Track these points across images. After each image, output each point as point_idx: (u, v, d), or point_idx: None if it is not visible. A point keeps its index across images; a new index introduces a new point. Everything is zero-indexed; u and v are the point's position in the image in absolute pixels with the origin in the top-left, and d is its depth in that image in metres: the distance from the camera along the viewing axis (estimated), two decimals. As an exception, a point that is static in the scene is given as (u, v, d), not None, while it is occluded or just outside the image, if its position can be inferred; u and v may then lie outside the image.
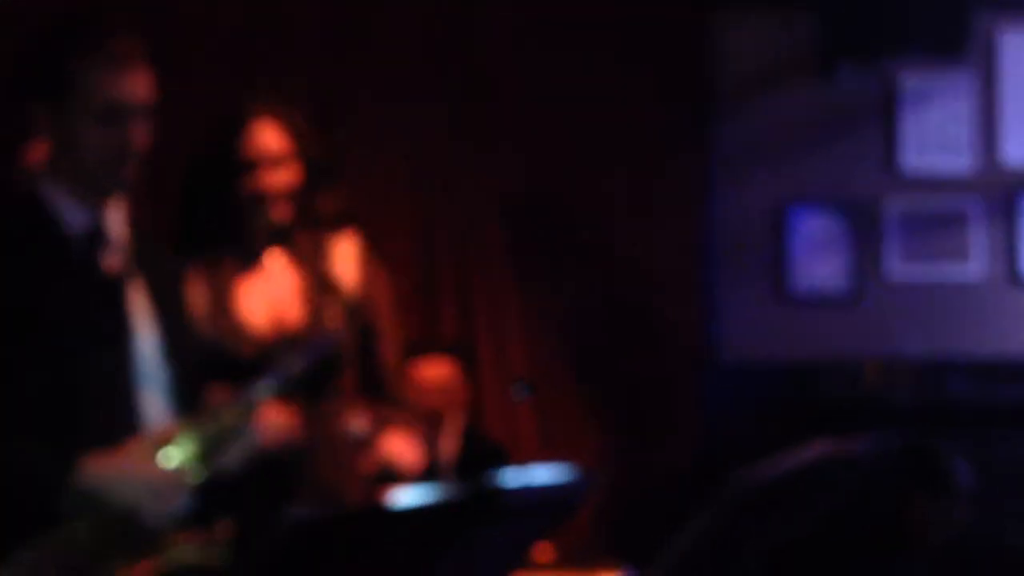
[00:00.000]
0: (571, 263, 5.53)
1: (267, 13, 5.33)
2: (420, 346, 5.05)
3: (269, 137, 3.62)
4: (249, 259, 3.65)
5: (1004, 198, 5.67)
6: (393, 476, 3.68)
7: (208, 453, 2.94)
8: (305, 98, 4.29)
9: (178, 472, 2.87)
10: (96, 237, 2.97)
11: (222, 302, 3.60)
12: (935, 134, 5.67)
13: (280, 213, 3.61)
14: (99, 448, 2.89)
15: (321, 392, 3.57)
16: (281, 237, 3.65)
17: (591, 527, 5.34)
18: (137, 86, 2.94)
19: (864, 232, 5.66)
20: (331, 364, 3.52)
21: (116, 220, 3.01)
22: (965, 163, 5.68)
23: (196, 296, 3.53)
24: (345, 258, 3.70)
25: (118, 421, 2.93)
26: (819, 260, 5.67)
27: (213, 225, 3.62)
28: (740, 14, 5.61)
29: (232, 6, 5.31)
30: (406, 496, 2.36)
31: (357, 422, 3.64)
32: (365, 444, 3.64)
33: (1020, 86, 5.68)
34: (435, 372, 4.97)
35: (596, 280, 5.54)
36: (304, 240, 3.67)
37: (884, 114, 5.68)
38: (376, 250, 3.75)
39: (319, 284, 3.65)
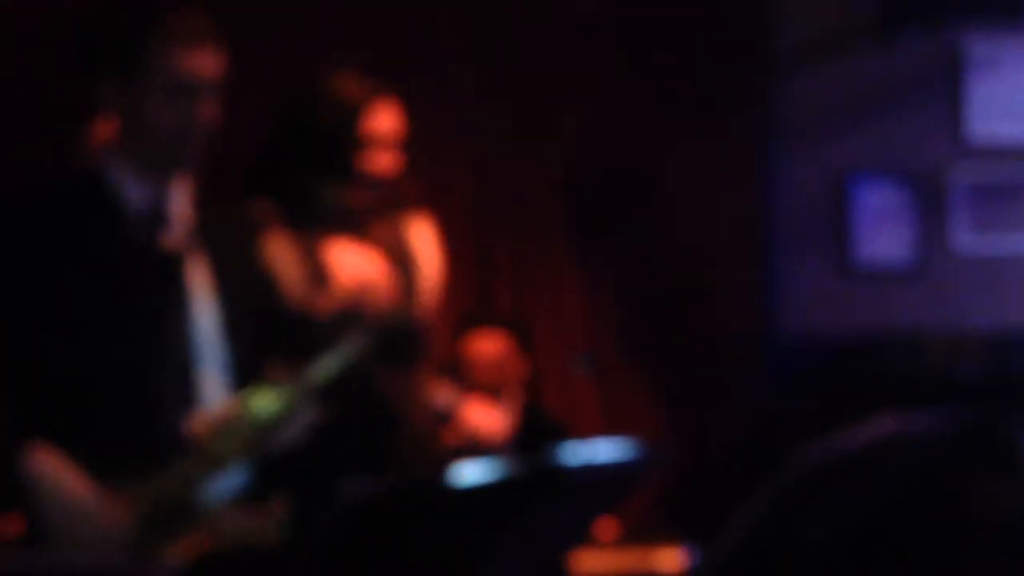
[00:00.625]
0: (629, 235, 5.50)
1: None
2: (475, 320, 5.02)
3: (388, 121, 3.68)
4: (338, 234, 3.70)
5: (1073, 167, 5.60)
6: (477, 448, 3.75)
7: (265, 432, 2.94)
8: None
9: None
10: (157, 215, 2.99)
11: (317, 275, 3.65)
12: (1002, 102, 5.59)
13: (373, 195, 3.68)
14: (156, 426, 2.92)
15: (406, 365, 3.65)
16: (368, 217, 3.71)
17: (651, 503, 5.31)
18: (206, 62, 2.97)
19: (929, 203, 5.60)
20: (417, 339, 3.65)
21: (180, 198, 3.03)
22: (1033, 131, 5.61)
23: (288, 266, 3.58)
24: (424, 239, 3.76)
25: (175, 398, 2.95)
26: (883, 232, 5.61)
27: (308, 195, 3.67)
28: (801, -21, 5.57)
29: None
30: (467, 473, 2.33)
31: (441, 395, 3.73)
32: (448, 417, 3.73)
33: (1089, 52, 5.60)
34: (490, 346, 4.94)
35: (654, 252, 5.50)
36: (386, 220, 3.74)
37: (949, 81, 5.61)
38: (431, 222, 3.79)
39: (404, 263, 3.70)
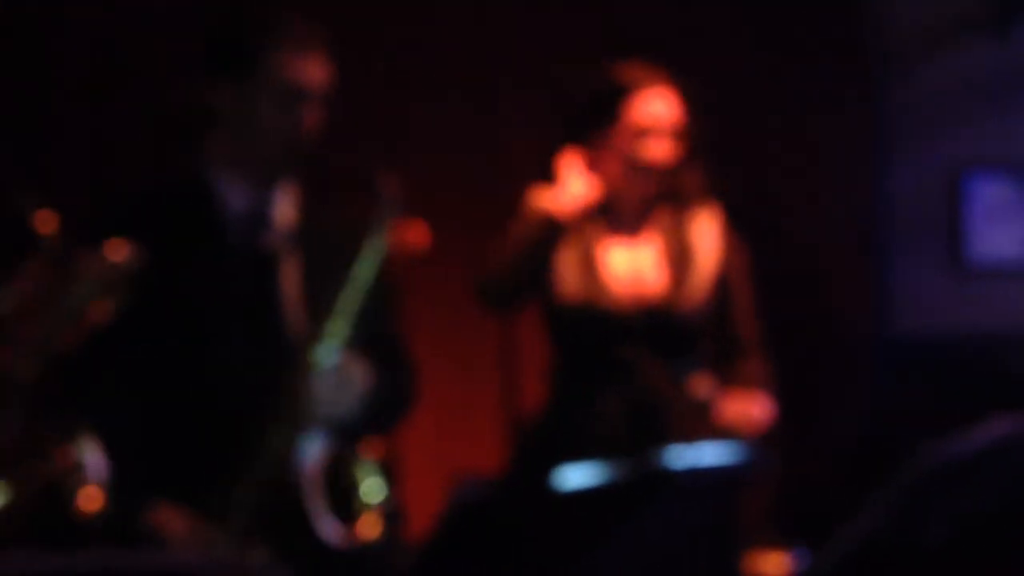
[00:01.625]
0: (737, 233, 5.43)
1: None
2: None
3: (663, 108, 3.67)
4: (617, 226, 3.71)
5: None
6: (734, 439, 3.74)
7: (320, 404, 2.95)
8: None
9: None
10: (256, 218, 3.01)
11: (590, 265, 3.66)
12: (1118, 94, 5.48)
13: (653, 185, 3.67)
14: (239, 425, 2.95)
15: (669, 357, 3.67)
16: (649, 208, 3.71)
17: (761, 508, 5.26)
18: (317, 70, 3.02)
19: (1045, 198, 5.51)
20: (691, 337, 3.70)
21: (284, 203, 3.05)
22: None
23: (565, 258, 3.62)
24: (706, 231, 3.75)
25: (261, 395, 2.96)
26: (997, 228, 5.52)
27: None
28: (911, -31, 5.49)
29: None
30: (573, 477, 2.31)
31: (702, 387, 3.72)
32: (706, 409, 3.71)
33: None
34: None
35: (763, 252, 5.43)
36: (667, 212, 3.73)
37: (1066, 74, 5.51)
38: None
39: (680, 256, 3.70)
